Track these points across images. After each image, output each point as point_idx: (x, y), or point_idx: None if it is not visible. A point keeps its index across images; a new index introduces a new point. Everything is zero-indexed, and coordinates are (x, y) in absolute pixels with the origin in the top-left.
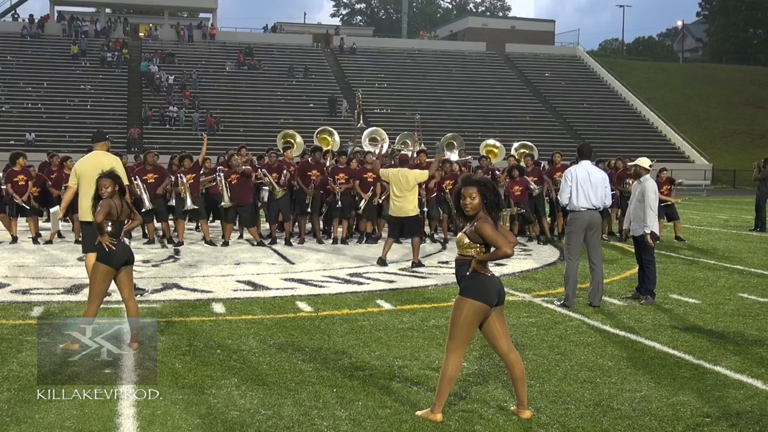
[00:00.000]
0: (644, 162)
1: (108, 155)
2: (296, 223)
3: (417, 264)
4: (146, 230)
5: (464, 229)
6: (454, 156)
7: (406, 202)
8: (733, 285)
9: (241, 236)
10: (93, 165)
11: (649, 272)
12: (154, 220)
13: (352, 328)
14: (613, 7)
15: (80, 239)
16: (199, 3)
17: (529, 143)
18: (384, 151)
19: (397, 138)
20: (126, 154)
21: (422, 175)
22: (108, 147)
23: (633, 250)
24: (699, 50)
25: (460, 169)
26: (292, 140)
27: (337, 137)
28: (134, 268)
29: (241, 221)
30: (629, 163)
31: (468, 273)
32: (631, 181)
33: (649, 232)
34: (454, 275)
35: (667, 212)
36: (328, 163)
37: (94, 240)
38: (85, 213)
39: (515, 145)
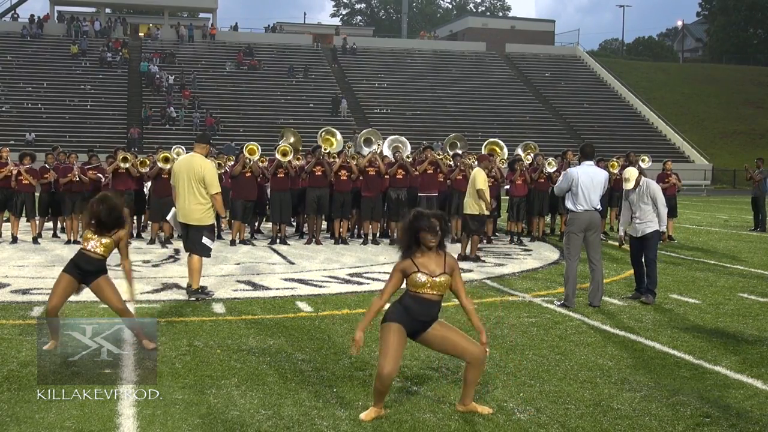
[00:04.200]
0: (633, 174)
1: (200, 158)
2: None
3: (469, 257)
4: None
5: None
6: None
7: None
8: (733, 285)
9: (252, 235)
10: (184, 165)
11: (651, 272)
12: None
13: (352, 328)
14: (614, 7)
15: (77, 240)
16: (199, 3)
17: (532, 143)
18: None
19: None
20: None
21: (483, 182)
22: (208, 150)
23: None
24: (699, 50)
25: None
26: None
27: (339, 137)
28: (134, 267)
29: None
30: (628, 186)
31: None
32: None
33: (661, 229)
34: None
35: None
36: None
37: (197, 239)
38: (184, 214)
39: (519, 148)
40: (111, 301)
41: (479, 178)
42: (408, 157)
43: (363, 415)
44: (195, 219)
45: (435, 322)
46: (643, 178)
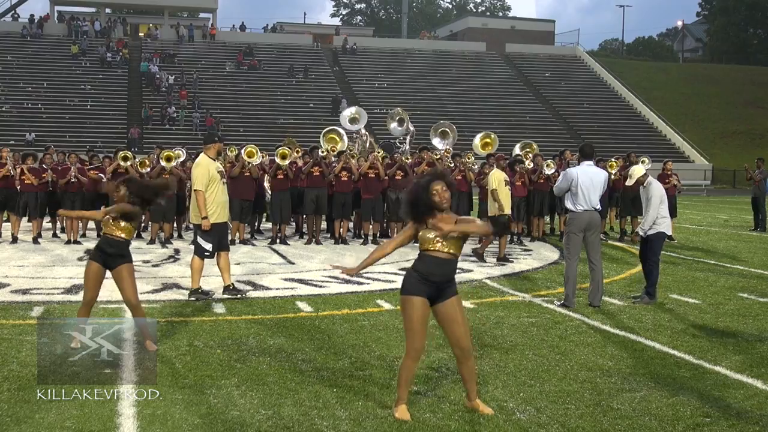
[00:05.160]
0: (636, 172)
1: (199, 158)
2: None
3: (478, 256)
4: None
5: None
6: (440, 144)
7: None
8: (733, 285)
9: (252, 235)
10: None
11: (649, 273)
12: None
13: (352, 328)
14: (614, 7)
15: (77, 240)
16: (199, 3)
17: (530, 142)
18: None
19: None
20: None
21: (496, 182)
22: (217, 150)
23: (633, 250)
24: (699, 50)
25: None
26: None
27: (346, 139)
28: (135, 267)
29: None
30: (628, 183)
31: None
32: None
33: (643, 233)
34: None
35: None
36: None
37: (194, 238)
38: (193, 216)
39: (517, 147)
40: (127, 293)
41: (491, 179)
42: (407, 159)
43: (399, 414)
44: (191, 218)
45: (454, 296)
46: (649, 178)
